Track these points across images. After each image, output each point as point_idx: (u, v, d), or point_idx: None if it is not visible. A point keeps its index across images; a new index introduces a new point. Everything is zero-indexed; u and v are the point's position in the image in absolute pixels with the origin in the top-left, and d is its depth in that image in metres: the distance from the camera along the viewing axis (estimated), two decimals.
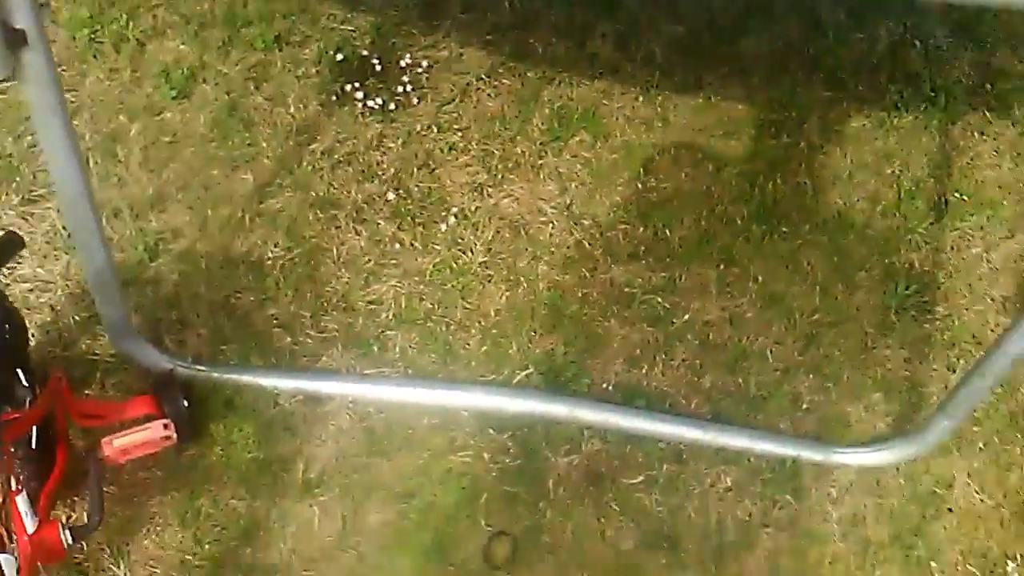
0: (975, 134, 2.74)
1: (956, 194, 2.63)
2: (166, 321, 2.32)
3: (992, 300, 2.48)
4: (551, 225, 2.53)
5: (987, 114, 2.77)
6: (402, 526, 2.12)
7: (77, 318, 2.30)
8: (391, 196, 2.54)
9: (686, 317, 2.41)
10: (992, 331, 2.44)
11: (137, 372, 2.23)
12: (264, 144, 2.60)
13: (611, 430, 2.25)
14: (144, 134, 2.60)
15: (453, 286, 2.43)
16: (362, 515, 2.13)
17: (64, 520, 1.98)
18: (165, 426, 1.97)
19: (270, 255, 2.44)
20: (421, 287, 2.43)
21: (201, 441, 2.16)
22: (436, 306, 2.40)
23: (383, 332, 2.36)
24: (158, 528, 2.08)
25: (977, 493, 2.23)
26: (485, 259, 2.47)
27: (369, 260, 2.46)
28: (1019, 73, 2.84)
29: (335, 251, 2.47)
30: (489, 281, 2.44)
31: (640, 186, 2.60)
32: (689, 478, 2.22)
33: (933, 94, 2.78)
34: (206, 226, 2.47)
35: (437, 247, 2.49)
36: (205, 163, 2.57)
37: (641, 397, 2.31)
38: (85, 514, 2.01)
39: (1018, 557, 2.17)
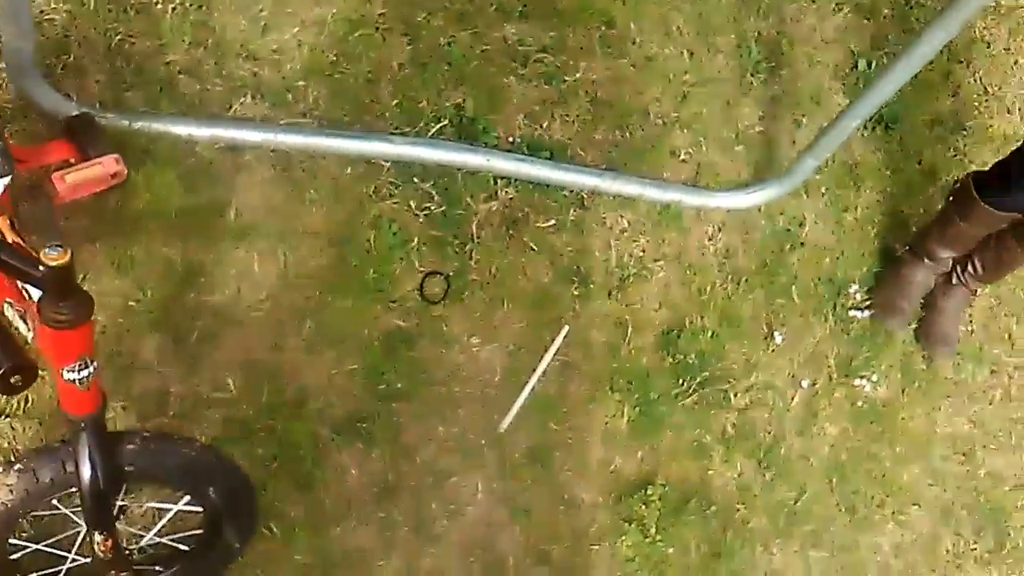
0: None
1: None
2: (60, 67, 2.16)
3: (826, 66, 2.81)
4: None
5: None
6: (341, 268, 2.20)
7: None
8: None
9: (576, 76, 2.55)
10: (826, 93, 2.77)
11: (38, 119, 2.09)
12: None
13: (522, 179, 2.39)
14: None
15: (356, 39, 2.41)
16: (301, 259, 2.18)
17: None
18: (116, 160, 1.87)
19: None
20: (322, 39, 2.39)
21: (124, 188, 2.08)
22: (341, 59, 2.39)
23: (292, 83, 2.33)
24: (92, 275, 2.02)
25: (822, 230, 2.61)
26: (383, 11, 2.46)
27: (263, 8, 2.38)
28: None
29: None
30: (389, 33, 2.45)
31: None
32: (592, 221, 2.43)
33: None
34: None
35: None
36: None
37: (545, 150, 2.46)
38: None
39: (857, 281, 2.59)
